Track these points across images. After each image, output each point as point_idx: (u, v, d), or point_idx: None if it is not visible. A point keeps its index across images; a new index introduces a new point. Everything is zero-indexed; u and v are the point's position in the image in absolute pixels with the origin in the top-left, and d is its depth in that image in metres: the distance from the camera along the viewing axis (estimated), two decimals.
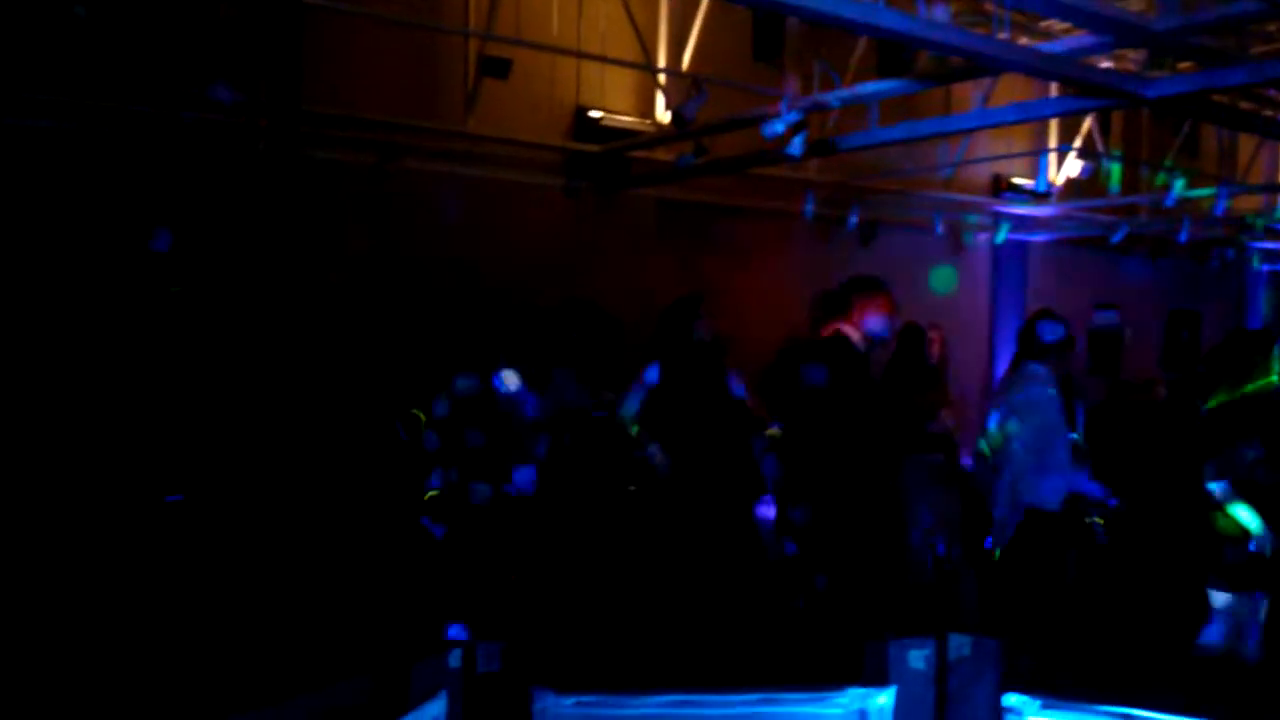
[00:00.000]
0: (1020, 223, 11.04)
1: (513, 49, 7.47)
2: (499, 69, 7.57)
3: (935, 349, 6.12)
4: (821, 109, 7.02)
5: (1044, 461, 4.66)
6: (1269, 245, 12.68)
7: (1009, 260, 11.50)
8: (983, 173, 10.98)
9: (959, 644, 2.02)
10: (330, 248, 7.23)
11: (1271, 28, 9.17)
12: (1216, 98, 8.01)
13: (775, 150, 7.10)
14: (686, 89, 8.19)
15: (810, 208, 8.98)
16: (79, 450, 5.60)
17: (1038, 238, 11.72)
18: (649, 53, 8.82)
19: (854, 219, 9.56)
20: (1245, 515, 4.29)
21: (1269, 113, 9.77)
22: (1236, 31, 7.65)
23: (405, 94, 7.63)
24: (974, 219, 10.87)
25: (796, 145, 6.84)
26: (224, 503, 5.66)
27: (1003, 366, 9.94)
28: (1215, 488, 4.38)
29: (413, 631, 4.30)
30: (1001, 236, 10.58)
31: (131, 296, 5.98)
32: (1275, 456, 4.36)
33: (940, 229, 10.30)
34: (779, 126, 6.66)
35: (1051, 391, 4.72)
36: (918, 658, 2.01)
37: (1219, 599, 4.36)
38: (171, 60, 6.44)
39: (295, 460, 6.26)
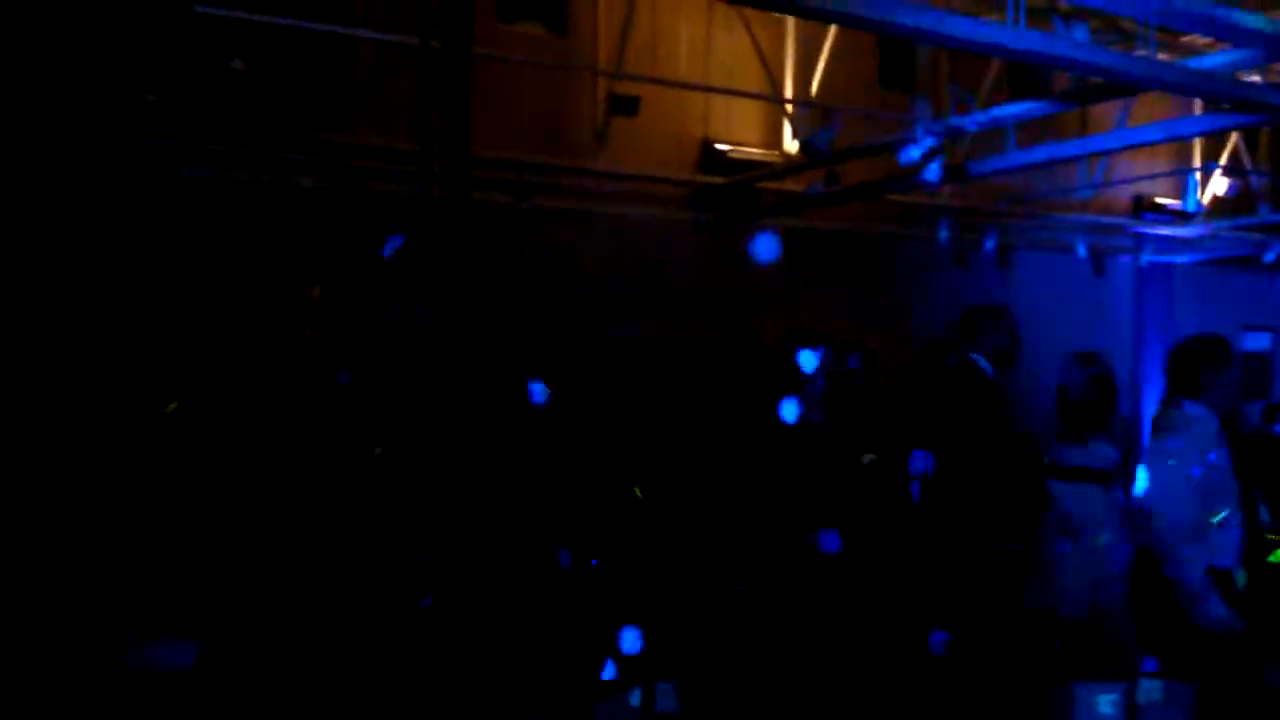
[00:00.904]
0: (1164, 244, 10.65)
1: (641, 86, 7.57)
2: (628, 106, 7.68)
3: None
4: (958, 133, 6.91)
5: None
6: None
7: (1153, 283, 11.09)
8: (1123, 194, 10.63)
9: (1149, 689, 1.95)
10: (472, 286, 7.39)
11: None
12: None
13: (910, 176, 7.02)
14: (815, 119, 8.18)
15: (945, 234, 8.83)
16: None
17: (1183, 259, 11.28)
18: (776, 84, 8.84)
19: (990, 244, 9.35)
20: None
21: None
22: None
23: (539, 134, 7.79)
24: (1115, 241, 10.52)
25: (933, 171, 6.77)
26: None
27: (1148, 395, 9.57)
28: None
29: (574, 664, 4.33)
30: (1144, 259, 10.22)
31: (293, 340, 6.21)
32: None
33: (1081, 252, 10.00)
34: (915, 152, 6.59)
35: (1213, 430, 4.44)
36: (1105, 703, 1.94)
37: None
38: (338, 108, 6.71)
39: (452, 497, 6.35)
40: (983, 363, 4.78)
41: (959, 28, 4.82)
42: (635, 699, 2.08)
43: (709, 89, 8.10)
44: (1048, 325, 10.20)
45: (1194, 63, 6.18)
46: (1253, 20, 5.80)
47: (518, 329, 7.37)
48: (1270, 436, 9.03)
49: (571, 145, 7.97)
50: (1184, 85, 5.62)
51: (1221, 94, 5.66)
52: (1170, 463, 4.36)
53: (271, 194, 6.71)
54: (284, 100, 6.71)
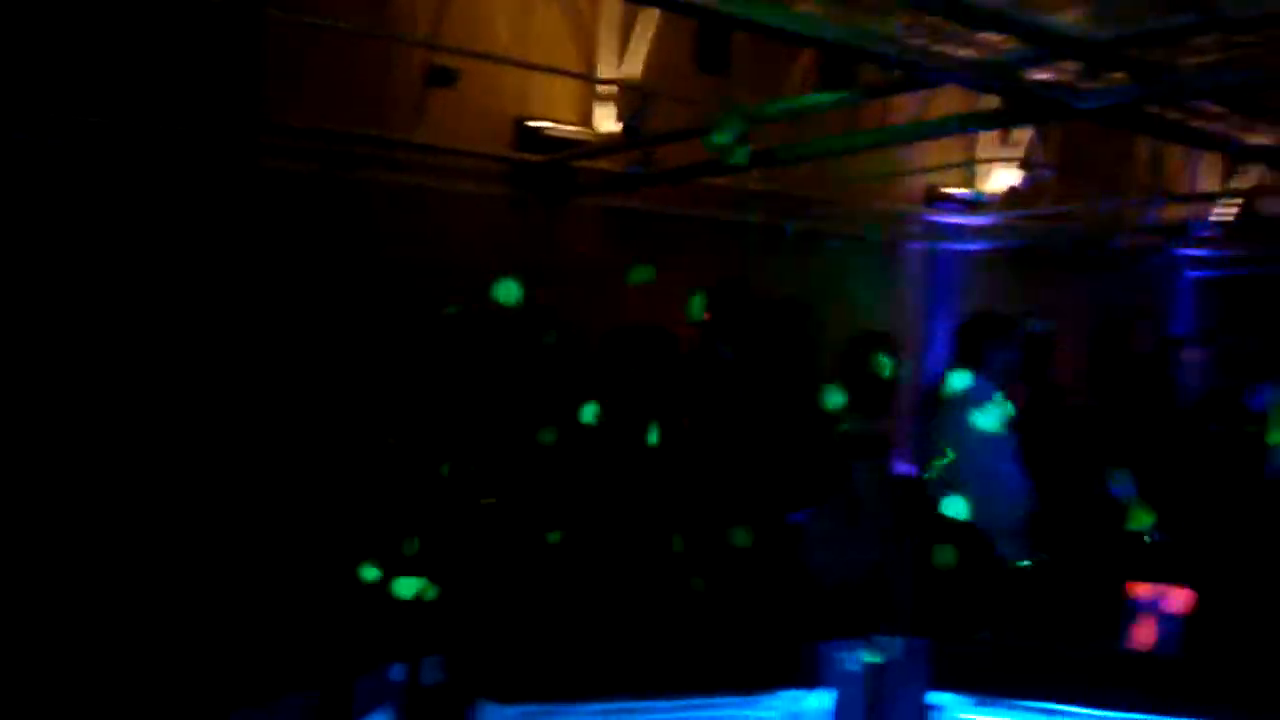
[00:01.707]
0: (955, 233, 11.27)
1: (460, 59, 7.52)
2: (445, 78, 7.61)
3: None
4: (764, 120, 7.14)
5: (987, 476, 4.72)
6: (1197, 253, 13.06)
7: (944, 268, 11.72)
8: (919, 184, 11.18)
9: (891, 645, 2.12)
10: (277, 259, 7.21)
11: (1202, 41, 9.46)
12: (1148, 109, 8.28)
13: (720, 161, 7.21)
14: (633, 100, 8.29)
15: (753, 217, 9.12)
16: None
17: (971, 247, 11.97)
18: (593, 63, 8.91)
19: (790, 228, 9.71)
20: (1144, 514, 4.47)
21: (1198, 123, 10.04)
22: (1168, 44, 7.87)
23: (356, 104, 7.63)
24: (911, 228, 11.08)
25: (741, 156, 6.96)
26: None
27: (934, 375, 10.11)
28: (1118, 489, 4.55)
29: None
30: (934, 247, 10.81)
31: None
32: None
33: (876, 238, 10.50)
34: (725, 137, 6.77)
35: (994, 404, 4.78)
36: (851, 659, 2.11)
37: (1138, 595, 4.53)
38: (127, 72, 6.40)
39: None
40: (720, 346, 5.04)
41: (770, 15, 5.01)
42: (399, 674, 2.11)
43: (521, 64, 8.09)
44: (849, 307, 10.70)
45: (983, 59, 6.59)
46: (1041, 19, 6.22)
47: (332, 303, 7.25)
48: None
49: (390, 117, 7.84)
50: (969, 80, 5.99)
51: (1008, 90, 6.05)
52: (949, 431, 4.69)
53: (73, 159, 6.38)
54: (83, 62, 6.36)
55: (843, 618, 4.99)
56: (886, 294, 11.35)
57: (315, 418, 6.59)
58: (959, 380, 4.81)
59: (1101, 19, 5.87)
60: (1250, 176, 11.89)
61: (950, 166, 10.37)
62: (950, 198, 11.29)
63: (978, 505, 4.64)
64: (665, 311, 7.63)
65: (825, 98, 6.87)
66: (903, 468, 6.21)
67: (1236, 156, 9.88)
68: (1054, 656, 2.31)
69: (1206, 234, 12.00)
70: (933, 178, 11.12)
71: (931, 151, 10.71)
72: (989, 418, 4.63)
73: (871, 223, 10.63)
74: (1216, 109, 8.94)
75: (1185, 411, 4.84)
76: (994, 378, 4.76)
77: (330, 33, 7.13)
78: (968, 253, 12.19)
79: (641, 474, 5.11)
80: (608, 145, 8.54)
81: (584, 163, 8.69)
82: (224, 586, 4.97)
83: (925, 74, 5.91)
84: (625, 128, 7.62)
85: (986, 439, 4.61)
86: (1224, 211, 12.05)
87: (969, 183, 10.64)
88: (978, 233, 11.51)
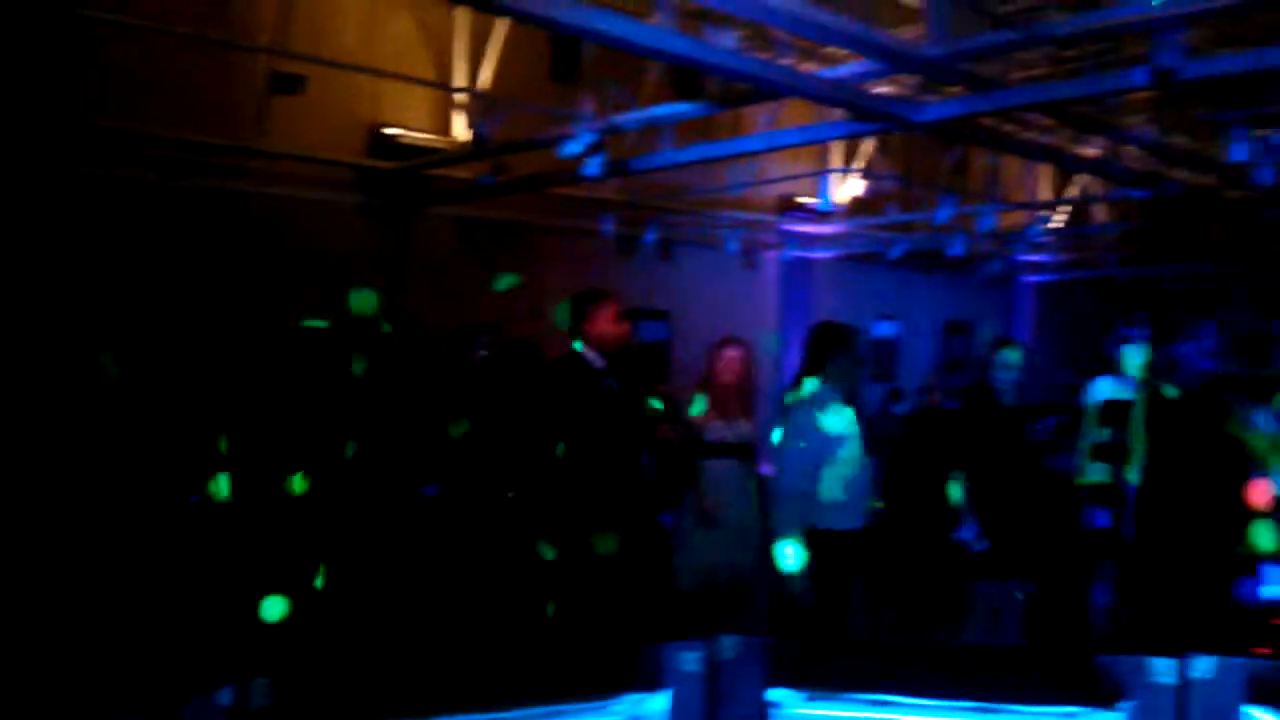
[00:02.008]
0: (806, 241, 11.56)
1: (307, 65, 7.37)
2: (290, 85, 7.44)
3: (733, 366, 6.29)
4: (616, 130, 7.20)
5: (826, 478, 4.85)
6: (1033, 259, 13.69)
7: (796, 276, 12.02)
8: (771, 193, 11.44)
9: (729, 645, 2.17)
10: (104, 266, 6.93)
11: (1030, 55, 9.93)
12: (984, 121, 8.64)
13: (573, 170, 7.24)
14: (484, 108, 8.25)
15: (608, 226, 9.17)
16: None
17: (822, 254, 12.30)
18: (448, 71, 8.84)
19: (649, 237, 9.81)
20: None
21: (1030, 135, 10.52)
22: (1001, 59, 8.23)
23: (196, 111, 7.40)
24: (764, 237, 11.31)
25: (594, 165, 6.99)
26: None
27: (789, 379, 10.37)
28: (955, 489, 4.78)
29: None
30: (787, 254, 11.07)
31: None
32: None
33: (732, 247, 10.69)
34: (575, 147, 6.79)
35: (836, 407, 4.90)
36: (690, 660, 2.15)
37: (975, 590, 4.74)
38: None
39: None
40: (589, 354, 5.12)
41: (613, 26, 5.04)
42: (226, 698, 2.06)
43: (372, 71, 7.97)
44: (707, 314, 10.87)
45: (825, 73, 6.77)
46: (876, 35, 6.43)
47: (168, 311, 7.00)
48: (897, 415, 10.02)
49: (235, 124, 7.61)
50: (810, 92, 6.13)
51: (844, 102, 6.22)
52: (790, 435, 4.82)
53: None
54: None
55: (698, 619, 5.09)
56: (744, 301, 11.58)
57: (143, 433, 6.35)
58: (806, 386, 4.94)
59: (938, 35, 6.09)
60: (1079, 186, 12.53)
61: (800, 176, 10.61)
62: (802, 207, 11.58)
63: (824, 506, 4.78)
64: (519, 319, 7.67)
65: (675, 109, 6.95)
66: (765, 469, 6.36)
67: (1066, 167, 10.39)
68: (884, 651, 2.40)
69: (1041, 240, 12.60)
70: (786, 187, 11.39)
71: (784, 161, 10.97)
72: (833, 420, 4.76)
73: (727, 231, 10.84)
74: (1048, 122, 9.39)
75: (1004, 414, 5.08)
76: (837, 383, 4.89)
77: (168, 38, 6.90)
78: (821, 260, 12.53)
79: (512, 486, 5.13)
80: (461, 154, 8.48)
81: (442, 171, 8.60)
82: (46, 606, 4.75)
83: (772, 87, 6.04)
84: (474, 136, 7.57)
85: (829, 440, 4.74)
86: (1056, 220, 12.66)
87: (819, 192, 10.92)
88: (828, 241, 11.82)
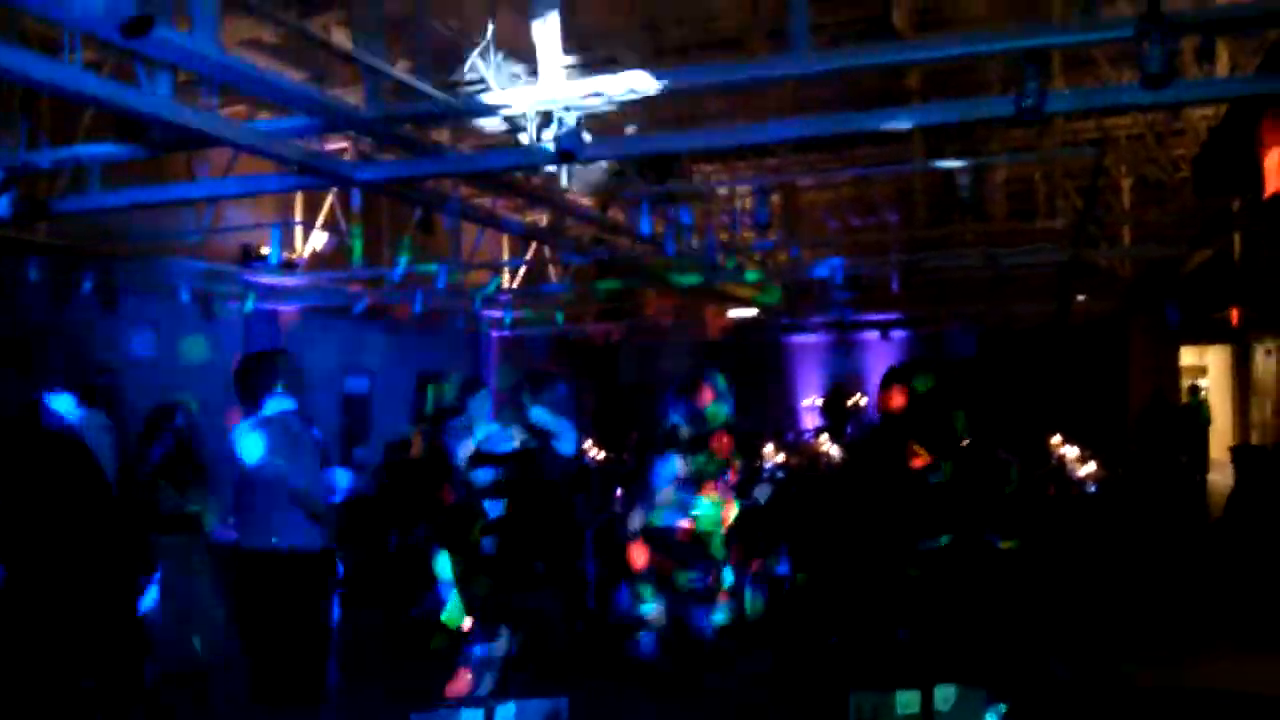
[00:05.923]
0: (270, 292, 11.35)
1: None
2: None
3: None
4: (32, 170, 6.67)
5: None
6: (495, 314, 14.46)
7: (260, 329, 11.75)
8: (233, 242, 11.13)
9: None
10: None
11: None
12: (432, 184, 9.05)
13: None
14: None
15: (35, 273, 8.44)
16: None
17: (286, 306, 12.14)
18: None
19: (88, 284, 9.15)
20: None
21: (484, 200, 11.14)
22: (453, 125, 8.64)
23: None
24: (225, 287, 10.96)
25: (2, 205, 6.43)
26: None
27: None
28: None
29: None
30: (249, 306, 10.81)
31: None
32: None
33: (187, 297, 10.26)
34: None
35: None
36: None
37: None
38: None
39: None
40: (61, 409, 4.77)
41: (34, 68, 4.73)
42: None
43: None
44: (163, 368, 10.29)
45: (265, 125, 6.72)
46: (315, 93, 6.52)
47: None
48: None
49: None
50: (250, 144, 6.09)
51: (282, 157, 6.24)
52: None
53: None
54: None
55: None
56: (202, 355, 11.07)
57: None
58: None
59: (373, 98, 6.30)
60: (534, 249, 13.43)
61: (256, 227, 10.41)
62: (265, 257, 11.33)
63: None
64: None
65: (101, 149, 6.54)
66: (222, 535, 6.13)
67: (512, 231, 11.12)
68: None
69: (501, 298, 13.34)
70: (249, 236, 11.10)
71: (248, 211, 10.70)
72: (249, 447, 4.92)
73: (185, 280, 10.37)
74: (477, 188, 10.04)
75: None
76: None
77: None
78: (288, 312, 12.34)
79: None
80: None
81: None
82: None
83: (201, 135, 5.91)
84: None
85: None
86: (512, 278, 13.51)
87: (282, 244, 10.78)
88: (292, 293, 11.69)
